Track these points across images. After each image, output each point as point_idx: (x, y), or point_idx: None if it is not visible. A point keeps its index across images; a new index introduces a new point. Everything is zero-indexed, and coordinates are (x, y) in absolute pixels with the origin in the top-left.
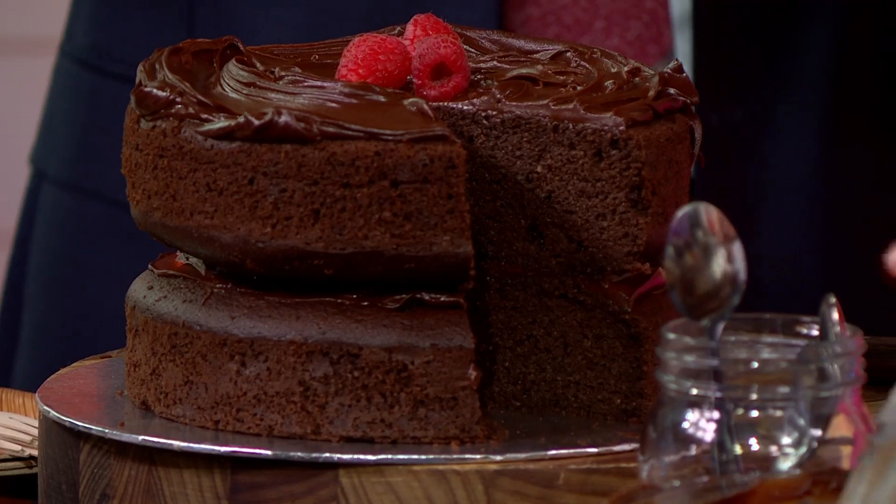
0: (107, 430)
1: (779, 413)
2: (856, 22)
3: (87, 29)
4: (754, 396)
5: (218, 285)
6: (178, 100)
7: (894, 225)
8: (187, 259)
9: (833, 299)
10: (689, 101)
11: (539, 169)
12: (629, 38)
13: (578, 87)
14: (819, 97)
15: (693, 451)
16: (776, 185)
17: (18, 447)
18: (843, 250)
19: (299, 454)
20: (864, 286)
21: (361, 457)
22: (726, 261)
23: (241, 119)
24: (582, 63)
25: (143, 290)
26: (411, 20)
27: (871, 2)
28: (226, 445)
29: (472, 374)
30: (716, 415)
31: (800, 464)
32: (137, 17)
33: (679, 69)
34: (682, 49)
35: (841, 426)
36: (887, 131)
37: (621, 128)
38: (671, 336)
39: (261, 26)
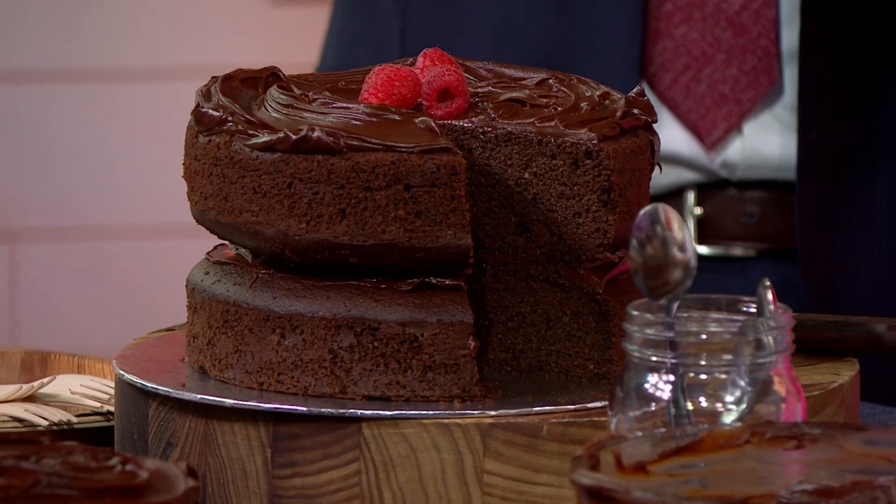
0: (171, 390)
1: (723, 376)
2: None
3: (335, 52)
4: (703, 363)
5: (262, 271)
6: (230, 119)
7: None
8: (237, 249)
9: (768, 282)
10: (649, 119)
11: (526, 175)
12: (745, 68)
13: (559, 108)
14: None
15: (653, 407)
16: (871, 193)
17: (98, 404)
18: None
19: (329, 410)
20: None
21: (380, 412)
22: (680, 251)
23: (281, 134)
24: (562, 88)
25: (201, 275)
26: (421, 53)
27: None
28: (268, 403)
29: (472, 344)
30: (671, 378)
31: (740, 418)
32: (365, 40)
33: (641, 94)
34: (791, 77)
35: (774, 387)
36: None
37: (594, 142)
38: (635, 313)
39: (458, 44)
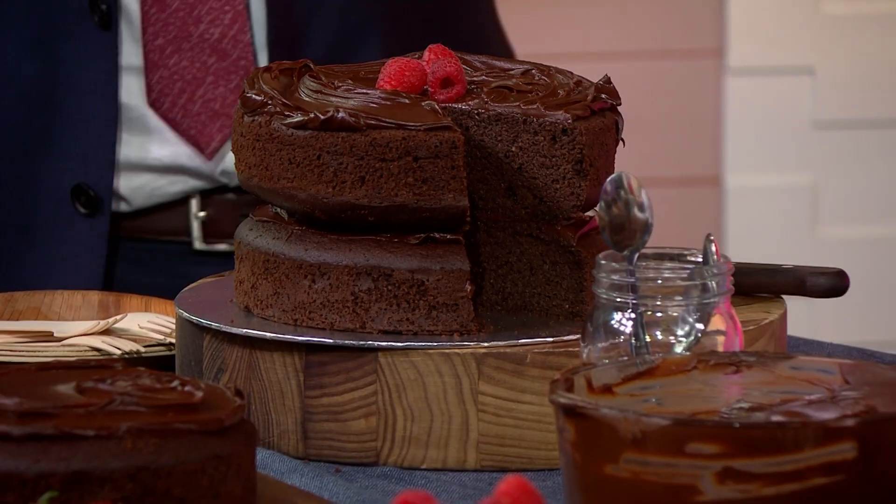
0: (222, 325)
1: (675, 314)
2: None
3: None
4: (659, 303)
5: (296, 227)
6: (270, 102)
7: None
8: (276, 210)
9: (712, 237)
10: (614, 103)
11: (513, 149)
12: (231, 87)
13: (540, 94)
14: None
15: (617, 340)
16: None
17: (162, 337)
18: None
19: (351, 342)
20: None
21: (393, 344)
22: (640, 211)
23: (311, 115)
24: (542, 77)
25: (246, 231)
26: (427, 48)
27: None
28: (301, 336)
29: (468, 287)
30: (633, 315)
31: (689, 348)
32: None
33: (608, 81)
34: None
35: (717, 323)
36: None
37: (569, 121)
38: (602, 262)
39: None
